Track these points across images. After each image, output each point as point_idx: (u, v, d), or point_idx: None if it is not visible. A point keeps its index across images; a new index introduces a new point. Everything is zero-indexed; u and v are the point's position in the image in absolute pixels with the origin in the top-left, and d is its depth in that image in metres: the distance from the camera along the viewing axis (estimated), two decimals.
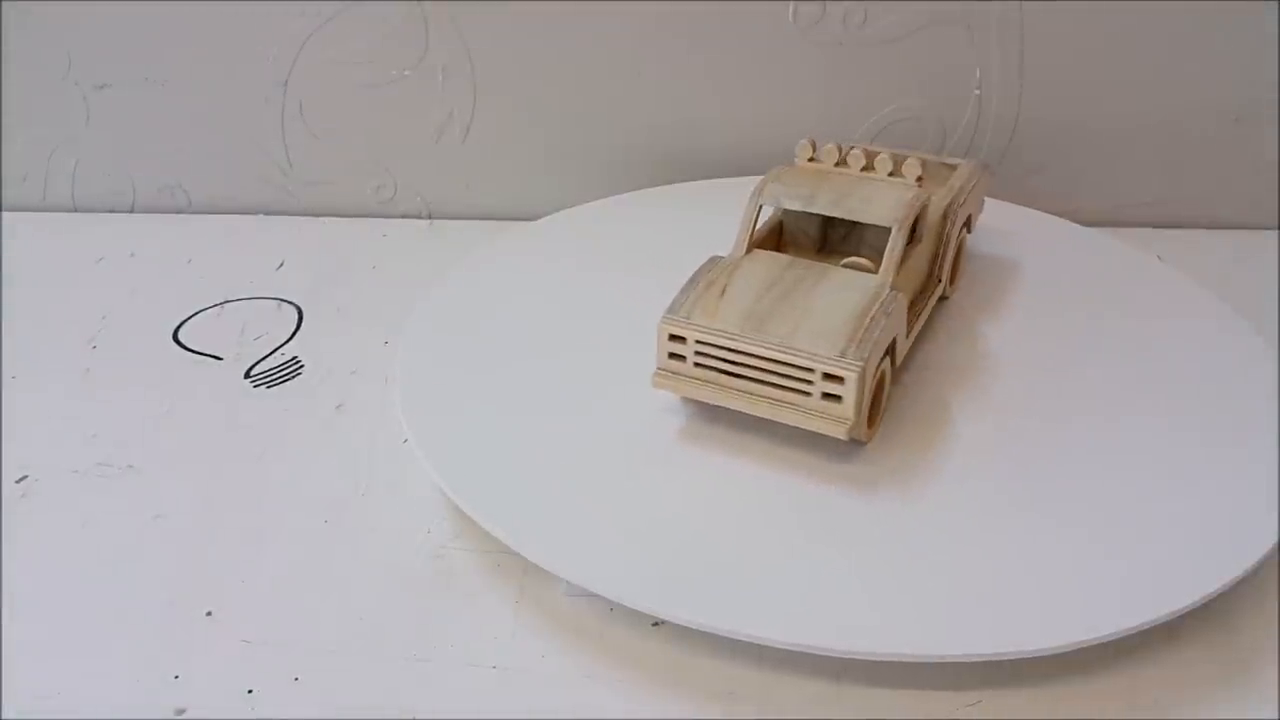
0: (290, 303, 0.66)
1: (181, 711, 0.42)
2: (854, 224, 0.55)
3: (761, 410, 0.48)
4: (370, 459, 0.53)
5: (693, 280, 0.50)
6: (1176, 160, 0.72)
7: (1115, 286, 0.60)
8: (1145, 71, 0.69)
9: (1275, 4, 0.67)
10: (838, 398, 0.47)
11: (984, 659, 0.40)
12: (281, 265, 0.70)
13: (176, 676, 0.43)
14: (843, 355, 0.46)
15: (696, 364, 0.49)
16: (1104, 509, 0.46)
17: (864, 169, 0.57)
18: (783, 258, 0.52)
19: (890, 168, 0.57)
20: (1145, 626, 0.41)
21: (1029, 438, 0.50)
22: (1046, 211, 0.68)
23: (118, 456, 0.54)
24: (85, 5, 0.71)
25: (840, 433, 0.47)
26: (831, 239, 0.57)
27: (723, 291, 0.49)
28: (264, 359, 0.61)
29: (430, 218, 0.76)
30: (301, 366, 0.60)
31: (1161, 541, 0.44)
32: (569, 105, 0.72)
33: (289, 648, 0.44)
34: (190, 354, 0.62)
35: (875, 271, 0.51)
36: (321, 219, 0.76)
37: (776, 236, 0.56)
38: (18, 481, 0.52)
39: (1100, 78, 0.70)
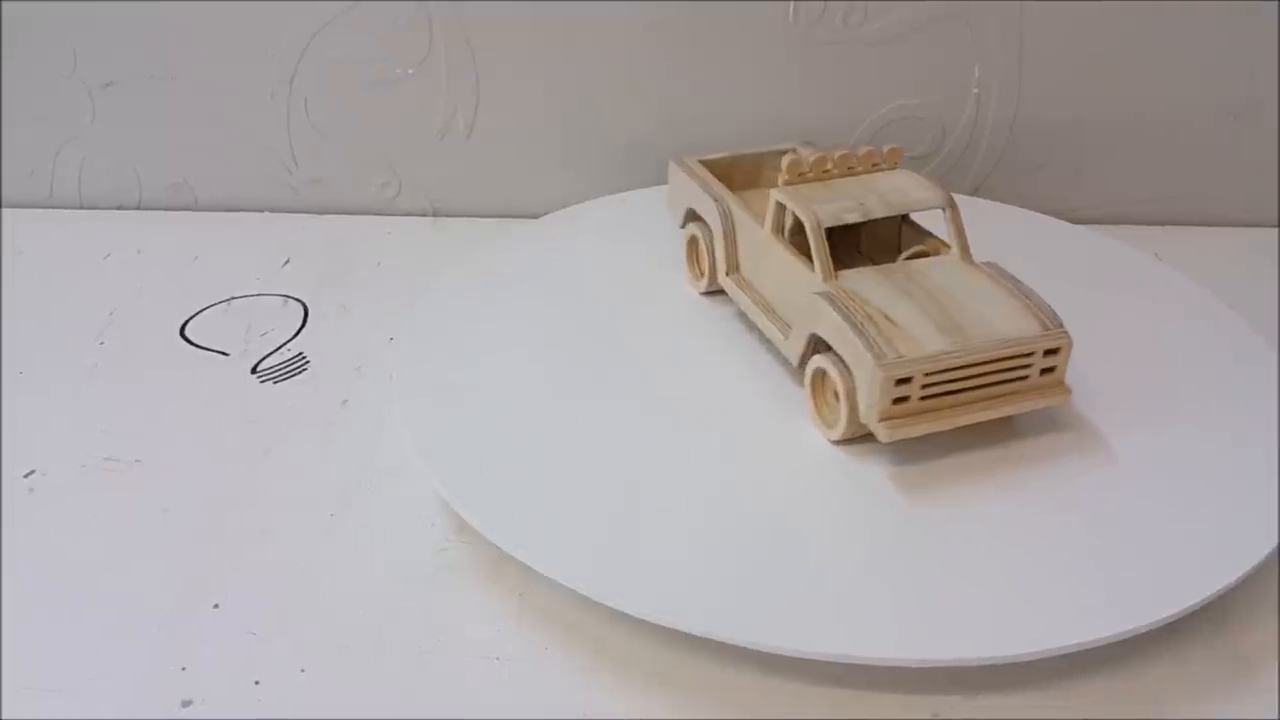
0: (296, 299, 0.67)
1: (189, 703, 0.42)
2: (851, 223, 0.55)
3: (991, 412, 0.48)
4: (375, 454, 0.54)
5: (852, 324, 0.47)
6: (1175, 158, 0.72)
7: (1113, 285, 0.60)
8: (1144, 69, 0.70)
9: (1275, 2, 0.68)
10: (1052, 369, 0.48)
11: (986, 662, 0.40)
12: (287, 262, 0.70)
13: (184, 668, 0.43)
14: (1046, 329, 0.48)
15: (923, 398, 0.47)
16: (1103, 510, 0.46)
17: (851, 170, 0.55)
18: (869, 270, 0.51)
19: (875, 160, 0.55)
20: (1147, 628, 0.41)
21: (1028, 439, 0.50)
22: (1045, 209, 0.69)
23: (125, 451, 0.54)
24: (90, 3, 0.71)
25: (1064, 399, 0.48)
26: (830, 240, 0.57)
27: (889, 319, 0.48)
28: (270, 355, 0.61)
29: (434, 215, 0.77)
30: (307, 362, 0.61)
31: (1162, 542, 0.44)
32: (572, 103, 0.72)
33: (295, 640, 0.44)
34: (197, 350, 0.62)
35: (928, 255, 0.52)
36: (327, 216, 0.76)
37: None
38: (25, 476, 0.53)
39: (1099, 76, 0.70)
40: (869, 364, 0.46)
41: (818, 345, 0.50)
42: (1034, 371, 0.48)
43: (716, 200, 0.57)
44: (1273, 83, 0.70)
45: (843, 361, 0.48)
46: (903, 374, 0.46)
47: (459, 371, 0.54)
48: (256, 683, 0.43)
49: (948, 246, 0.53)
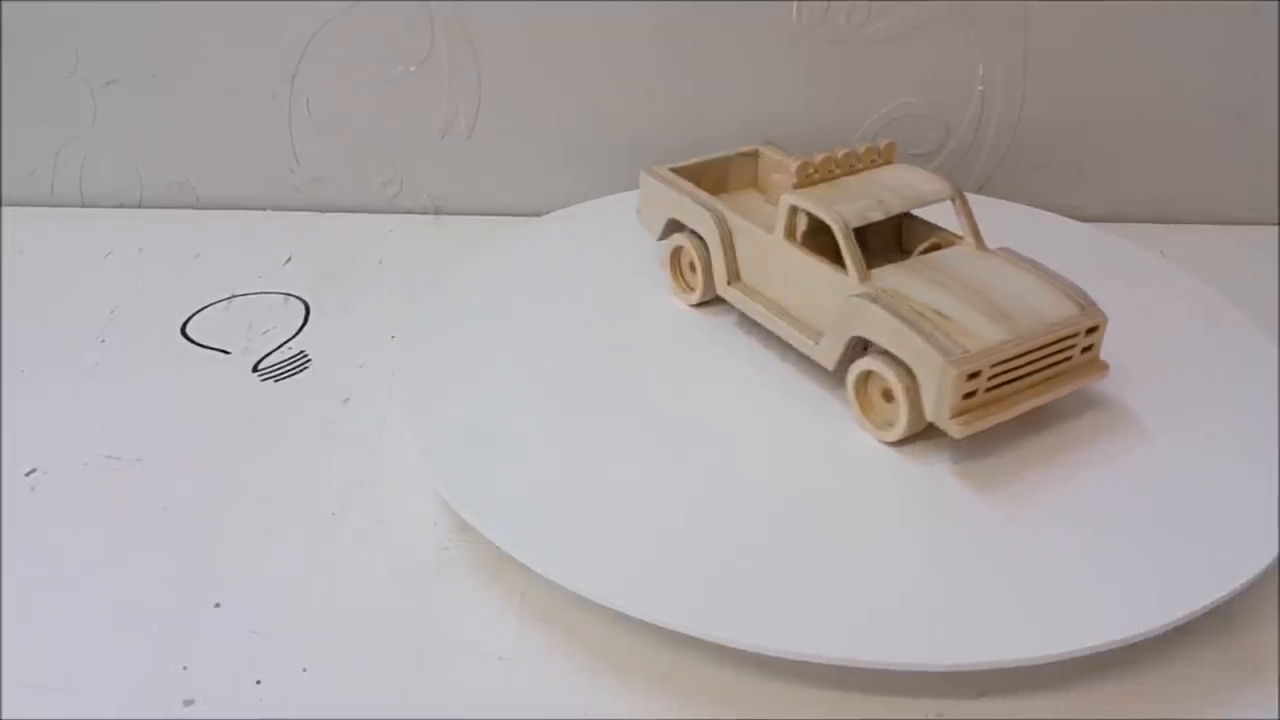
0: (297, 297, 0.67)
1: (190, 702, 0.42)
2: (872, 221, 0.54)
3: (1046, 395, 0.48)
4: (377, 452, 0.54)
5: (907, 322, 0.47)
6: (1179, 156, 0.72)
7: (1117, 283, 0.60)
8: (1147, 68, 0.70)
9: (1276, 2, 0.67)
10: (1090, 347, 0.49)
11: (993, 666, 0.40)
12: (288, 260, 0.70)
13: (185, 667, 0.43)
14: (1082, 308, 0.49)
15: (989, 389, 0.47)
16: (1106, 513, 0.46)
17: (852, 168, 0.55)
18: (891, 267, 0.51)
19: (874, 157, 0.55)
20: (1153, 632, 0.41)
21: (1031, 440, 0.50)
22: (1049, 208, 0.69)
23: (126, 449, 0.54)
24: (92, 2, 0.71)
25: (1104, 373, 0.50)
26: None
27: (938, 313, 0.48)
28: (271, 353, 0.61)
29: (436, 214, 0.77)
30: (308, 360, 0.61)
31: (1166, 546, 0.44)
32: (574, 102, 0.72)
33: (296, 639, 0.44)
34: (198, 348, 0.62)
35: (940, 247, 0.52)
36: (328, 214, 0.76)
37: None
38: (27, 474, 0.53)
39: (1102, 75, 0.70)
40: (937, 361, 0.46)
41: (858, 347, 0.50)
42: (1076, 352, 0.49)
43: (710, 209, 0.56)
44: (1274, 82, 0.70)
45: (897, 360, 0.47)
46: (973, 368, 0.46)
47: (460, 370, 0.54)
48: (258, 682, 0.43)
49: (958, 237, 0.53)
